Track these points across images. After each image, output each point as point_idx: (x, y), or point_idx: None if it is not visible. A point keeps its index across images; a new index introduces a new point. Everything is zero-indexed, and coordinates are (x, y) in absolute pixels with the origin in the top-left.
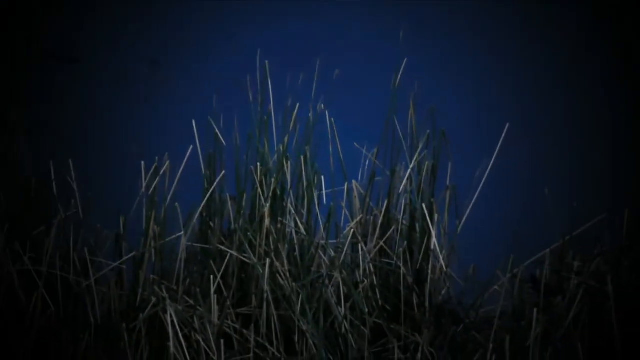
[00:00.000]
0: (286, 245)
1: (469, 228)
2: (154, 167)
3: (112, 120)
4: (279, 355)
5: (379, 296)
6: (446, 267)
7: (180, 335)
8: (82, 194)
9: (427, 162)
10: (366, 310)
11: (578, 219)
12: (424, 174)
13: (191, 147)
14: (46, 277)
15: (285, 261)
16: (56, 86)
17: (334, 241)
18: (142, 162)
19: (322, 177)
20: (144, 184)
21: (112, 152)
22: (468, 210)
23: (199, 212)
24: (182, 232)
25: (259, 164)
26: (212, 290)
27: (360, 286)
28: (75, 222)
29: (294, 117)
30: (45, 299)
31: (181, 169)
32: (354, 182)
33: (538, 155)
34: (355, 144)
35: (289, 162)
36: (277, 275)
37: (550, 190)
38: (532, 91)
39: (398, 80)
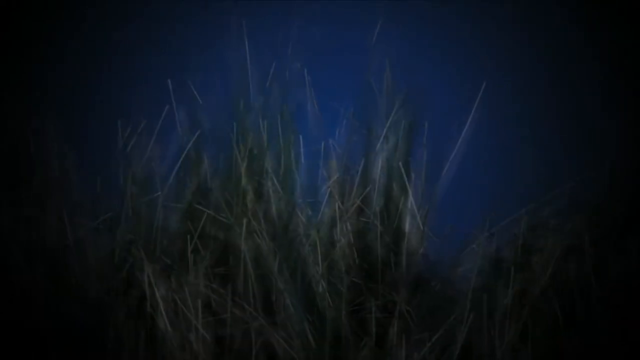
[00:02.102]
0: (263, 205)
1: (446, 187)
2: (130, 127)
3: (89, 81)
4: (257, 315)
5: (356, 255)
6: (423, 226)
7: (157, 295)
8: (61, 153)
9: (403, 121)
10: (343, 269)
11: (556, 177)
12: (401, 132)
13: (167, 106)
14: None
15: (262, 220)
16: (38, 50)
17: (311, 200)
18: (119, 121)
19: (300, 137)
20: (121, 144)
21: (90, 111)
22: (445, 169)
23: (175, 171)
24: (159, 192)
25: (235, 123)
26: (189, 250)
27: (338, 245)
28: (53, 182)
29: (270, 76)
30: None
31: (157, 128)
32: (330, 141)
33: (515, 113)
34: (333, 103)
35: (266, 122)
36: (254, 235)
37: (528, 148)
38: (509, 50)
39: (374, 39)
